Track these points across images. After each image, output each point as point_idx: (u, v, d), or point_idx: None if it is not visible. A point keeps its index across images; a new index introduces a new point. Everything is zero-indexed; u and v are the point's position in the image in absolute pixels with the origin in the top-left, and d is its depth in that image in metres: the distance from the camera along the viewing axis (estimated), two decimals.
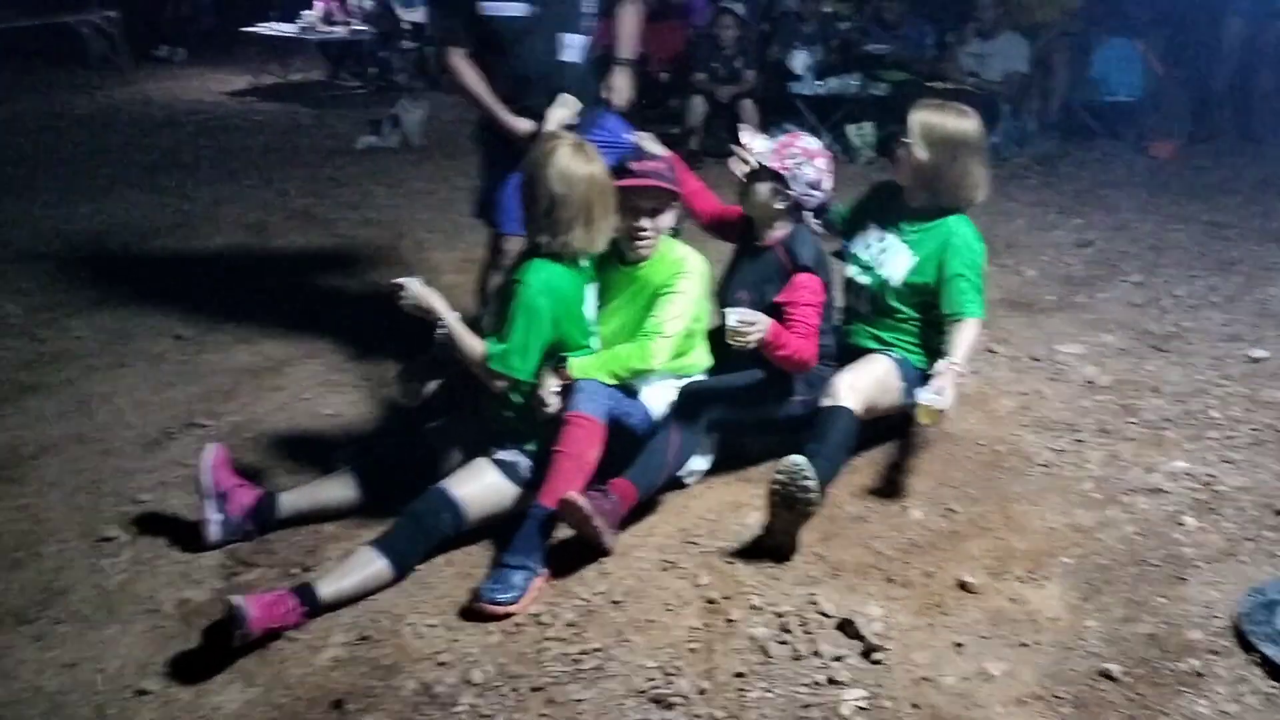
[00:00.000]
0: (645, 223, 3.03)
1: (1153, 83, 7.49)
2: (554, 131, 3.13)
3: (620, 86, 3.57)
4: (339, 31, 10.49)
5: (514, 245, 3.43)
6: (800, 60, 7.62)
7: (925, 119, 3.17)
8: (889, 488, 3.16)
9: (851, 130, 7.40)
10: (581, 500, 2.68)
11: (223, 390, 3.93)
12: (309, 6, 10.77)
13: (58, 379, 4.01)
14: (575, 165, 2.81)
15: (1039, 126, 7.72)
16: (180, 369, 4.12)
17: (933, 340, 3.27)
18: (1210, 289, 4.66)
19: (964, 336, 3.05)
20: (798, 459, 2.72)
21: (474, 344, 2.84)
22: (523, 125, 3.41)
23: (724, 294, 3.32)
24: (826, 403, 3.07)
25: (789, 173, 3.08)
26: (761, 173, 3.11)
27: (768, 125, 7.49)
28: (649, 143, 3.40)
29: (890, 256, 3.27)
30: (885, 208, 3.38)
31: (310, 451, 3.43)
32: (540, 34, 3.36)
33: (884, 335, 3.32)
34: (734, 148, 3.27)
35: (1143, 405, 3.64)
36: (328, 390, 3.94)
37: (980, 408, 3.66)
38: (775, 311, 3.01)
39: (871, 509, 3.06)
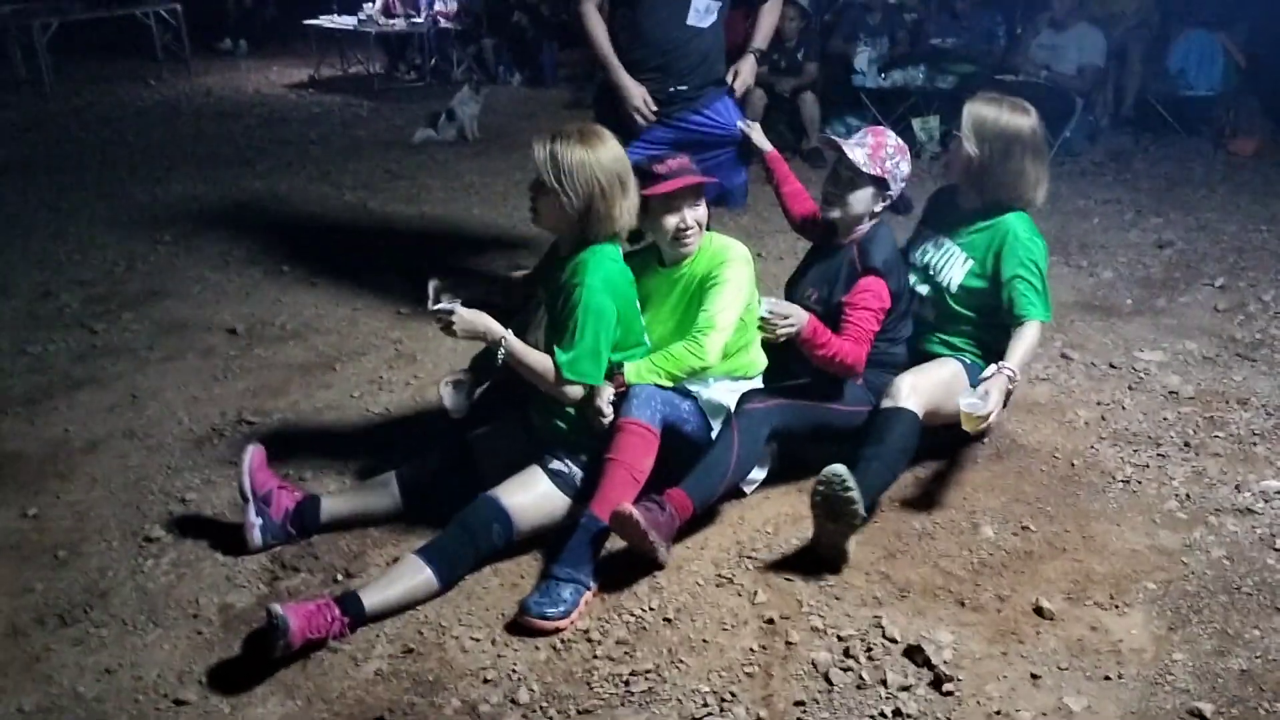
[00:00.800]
0: (688, 217, 2.91)
1: (1234, 77, 7.17)
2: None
3: (746, 75, 3.62)
4: (398, 24, 10.47)
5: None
6: (864, 53, 7.41)
7: (978, 112, 3.01)
8: (958, 501, 3.00)
9: (917, 124, 7.18)
10: (635, 512, 2.56)
11: (273, 386, 3.88)
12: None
13: (110, 372, 3.99)
14: (590, 153, 2.68)
15: (1112, 121, 7.45)
16: (231, 364, 4.08)
17: (1000, 345, 3.09)
18: None
19: (1023, 340, 2.89)
20: (838, 468, 2.59)
21: (538, 360, 2.72)
22: (634, 88, 3.41)
23: (792, 289, 3.20)
24: (887, 404, 2.93)
25: (890, 175, 2.95)
26: (860, 178, 2.97)
27: (828, 119, 7.33)
28: (757, 134, 3.40)
29: (947, 262, 3.14)
30: (942, 213, 3.26)
31: (358, 451, 3.37)
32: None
33: (954, 341, 3.17)
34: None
35: (1230, 418, 3.42)
36: (378, 389, 3.87)
37: (1056, 417, 3.48)
38: (841, 312, 2.87)
39: (939, 524, 2.90)
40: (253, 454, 2.87)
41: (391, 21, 10.52)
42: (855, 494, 2.56)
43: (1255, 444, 3.27)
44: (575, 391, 2.74)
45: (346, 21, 10.61)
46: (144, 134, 8.39)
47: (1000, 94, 3.12)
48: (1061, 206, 5.61)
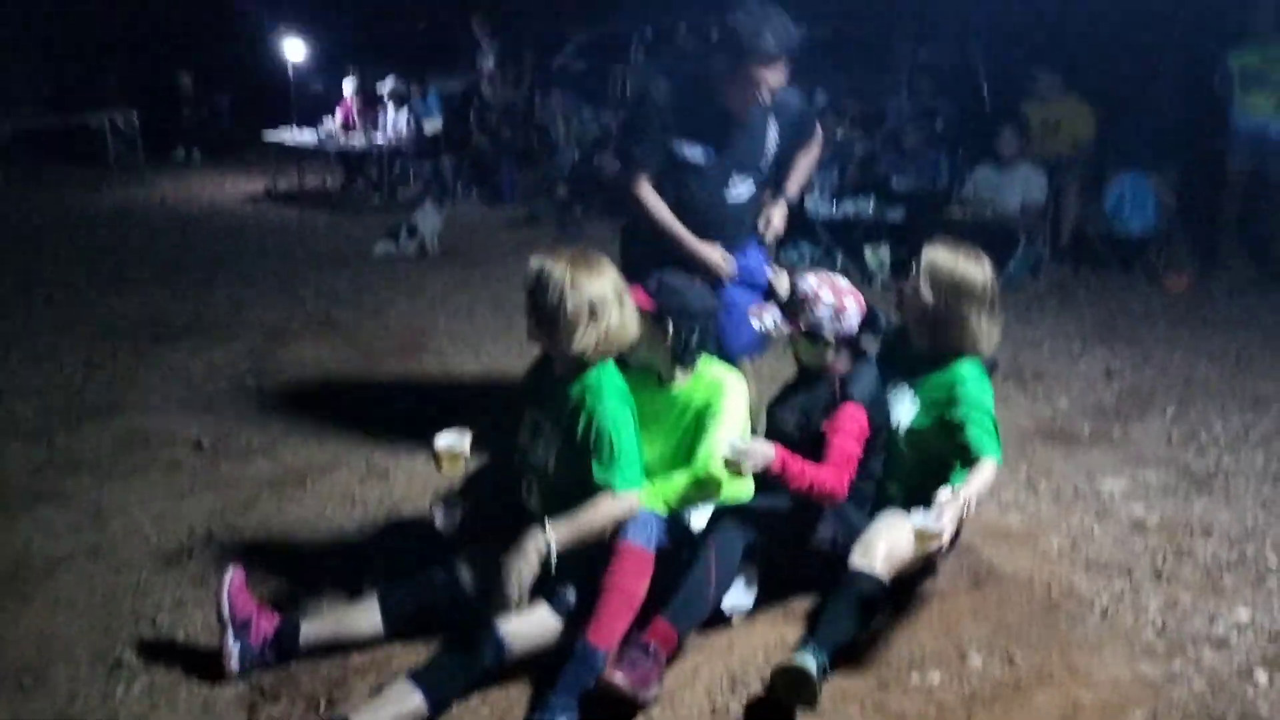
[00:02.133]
0: None
1: (1165, 217, 7.57)
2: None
3: (777, 224, 3.67)
4: (357, 142, 10.62)
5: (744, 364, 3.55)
6: (816, 184, 7.70)
7: (934, 258, 3.06)
8: (944, 629, 3.02)
9: (868, 252, 7.43)
10: (621, 681, 2.54)
11: (242, 502, 3.80)
12: (330, 113, 10.96)
13: (71, 486, 3.88)
14: (580, 276, 2.73)
15: (1053, 255, 7.78)
16: (198, 479, 3.99)
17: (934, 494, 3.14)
18: (1246, 426, 4.59)
19: (979, 474, 2.82)
20: (801, 669, 2.58)
21: (586, 519, 2.67)
22: (711, 251, 3.48)
23: (773, 413, 3.23)
24: (860, 563, 2.89)
25: (809, 326, 3.01)
26: (792, 337, 3.06)
27: (783, 246, 7.54)
28: (780, 279, 3.48)
29: (896, 403, 3.15)
30: (894, 354, 3.27)
31: (333, 571, 3.29)
32: (715, 175, 3.46)
33: (911, 487, 3.11)
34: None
35: (1196, 548, 3.52)
36: (350, 504, 3.82)
37: (1029, 545, 3.55)
38: (822, 439, 2.92)
39: (927, 653, 2.91)
40: (232, 576, 2.81)
41: (351, 139, 10.67)
42: (817, 687, 2.57)
43: (1223, 575, 3.36)
44: (634, 500, 2.73)
45: (307, 138, 10.74)
46: (99, 241, 8.33)
47: (957, 240, 3.16)
48: (1013, 336, 5.79)
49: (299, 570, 3.30)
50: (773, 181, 3.72)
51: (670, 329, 3.03)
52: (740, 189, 3.55)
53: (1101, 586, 3.28)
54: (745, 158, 3.51)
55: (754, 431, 3.24)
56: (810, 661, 2.60)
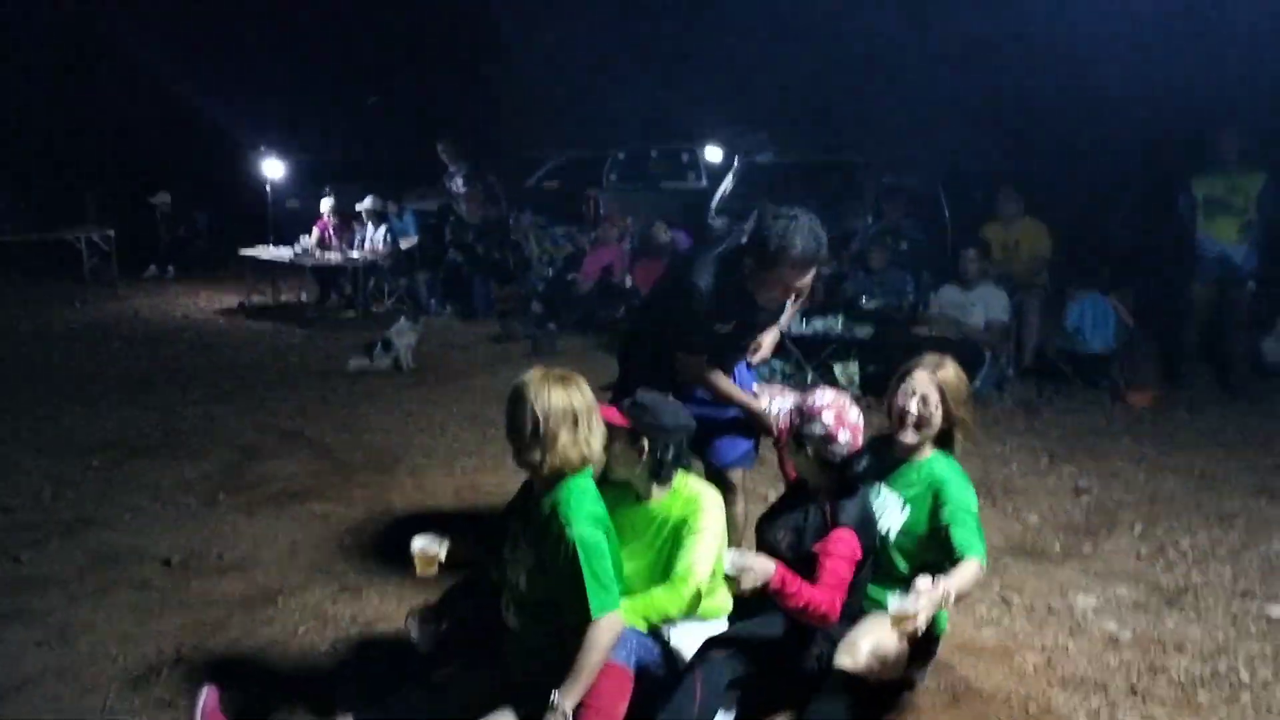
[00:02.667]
0: None
1: (1125, 335, 7.78)
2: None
3: (766, 350, 3.90)
4: (334, 257, 10.76)
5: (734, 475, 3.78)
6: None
7: (948, 379, 3.24)
8: None
9: (838, 369, 7.56)
10: None
11: (213, 622, 3.75)
12: (306, 231, 11.12)
13: (38, 605, 3.82)
14: (550, 389, 2.80)
15: (1017, 373, 7.94)
16: (168, 597, 3.94)
17: None
18: (1214, 542, 4.65)
19: (962, 570, 2.91)
20: None
21: (587, 659, 2.66)
22: (763, 408, 3.66)
23: (764, 528, 3.26)
24: (844, 664, 2.92)
25: (797, 432, 3.10)
26: (786, 432, 3.16)
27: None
28: (763, 396, 3.64)
29: (884, 509, 3.24)
30: (877, 457, 3.35)
31: (306, 692, 3.25)
32: (738, 338, 3.69)
33: (873, 593, 3.17)
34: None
35: (1169, 664, 3.54)
36: (323, 624, 3.78)
37: (1005, 662, 3.56)
38: (813, 560, 2.95)
39: None
40: (206, 697, 2.77)
41: (327, 254, 10.81)
42: None
43: (1196, 690, 3.37)
44: (617, 620, 2.71)
45: (282, 253, 10.87)
46: (71, 356, 8.32)
47: (941, 354, 3.36)
48: (981, 451, 5.90)
49: (271, 691, 3.25)
50: None
51: (645, 446, 3.07)
52: (756, 346, 3.84)
53: (1078, 703, 3.29)
54: (764, 323, 3.79)
55: (739, 545, 3.27)
56: None
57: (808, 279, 3.43)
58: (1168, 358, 7.87)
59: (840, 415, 3.07)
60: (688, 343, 3.56)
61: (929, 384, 3.21)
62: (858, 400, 7.12)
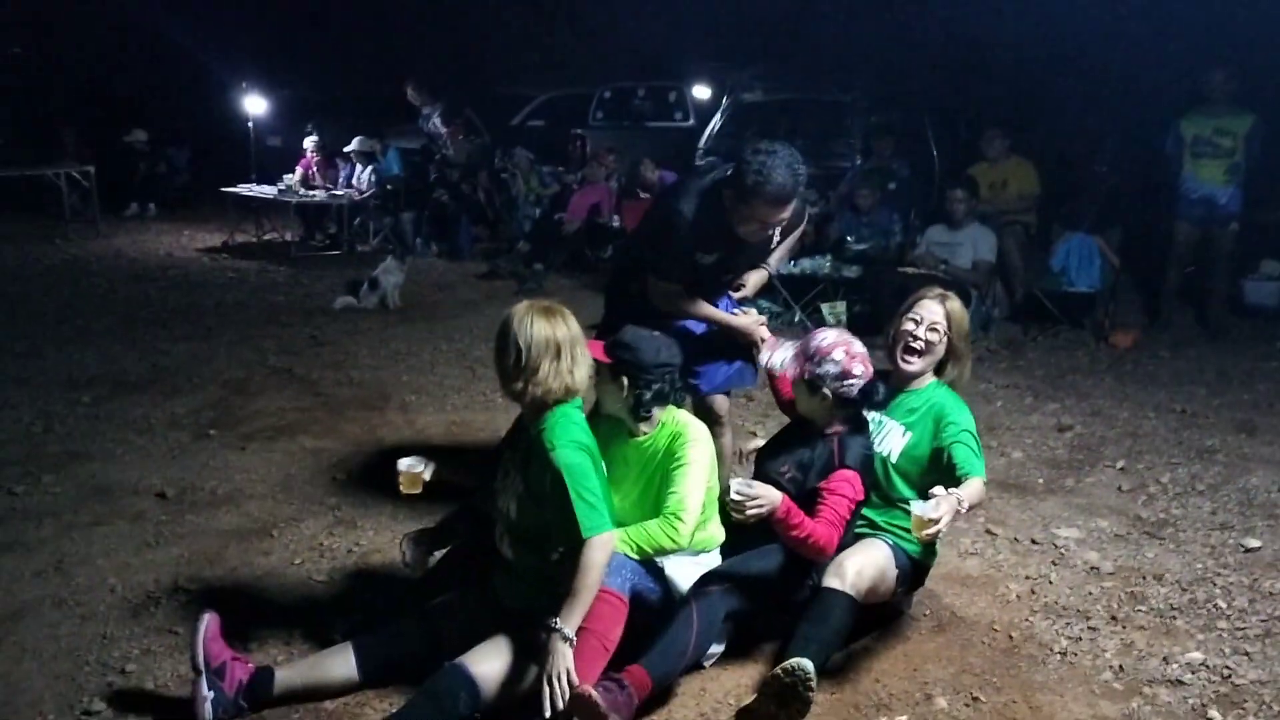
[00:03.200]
0: None
1: (1110, 276, 7.83)
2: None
3: (749, 289, 3.86)
4: (318, 195, 10.66)
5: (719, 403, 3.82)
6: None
7: (954, 310, 3.31)
8: (908, 672, 3.09)
9: (825, 309, 7.59)
10: (594, 694, 2.58)
11: (209, 553, 3.78)
12: (290, 169, 11.00)
13: (33, 537, 3.85)
14: (535, 319, 2.82)
15: (1004, 313, 7.99)
16: (163, 529, 3.97)
17: None
18: (1193, 477, 4.74)
19: (970, 486, 3.00)
20: (805, 665, 2.70)
21: (582, 581, 2.68)
22: (746, 321, 3.70)
23: (765, 461, 3.30)
24: (832, 583, 3.02)
25: (812, 376, 3.12)
26: (797, 381, 3.18)
27: (742, 302, 7.68)
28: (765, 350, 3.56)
29: (885, 435, 3.32)
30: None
31: (304, 621, 3.29)
32: (721, 269, 3.66)
33: (877, 519, 3.29)
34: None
35: (1149, 593, 3.63)
36: (318, 555, 3.82)
37: (989, 591, 3.64)
38: (814, 496, 3.00)
39: (894, 696, 2.98)
40: (207, 623, 2.81)
41: (312, 192, 10.71)
42: (813, 694, 2.67)
43: (1175, 618, 3.46)
44: (609, 539, 2.74)
45: (266, 191, 10.76)
46: (54, 293, 8.26)
47: (941, 289, 3.41)
48: (967, 389, 5.88)
49: (270, 620, 3.29)
50: None
51: (625, 385, 3.09)
52: (738, 275, 3.80)
53: (1060, 630, 3.37)
54: (749, 261, 3.77)
55: (727, 477, 3.30)
56: (808, 663, 2.69)
57: (785, 214, 3.42)
58: (1151, 298, 7.94)
59: (849, 349, 3.11)
60: (665, 269, 3.54)
61: (937, 312, 3.26)
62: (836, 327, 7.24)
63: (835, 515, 2.98)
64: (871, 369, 3.15)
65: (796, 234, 3.99)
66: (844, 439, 3.11)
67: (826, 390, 3.11)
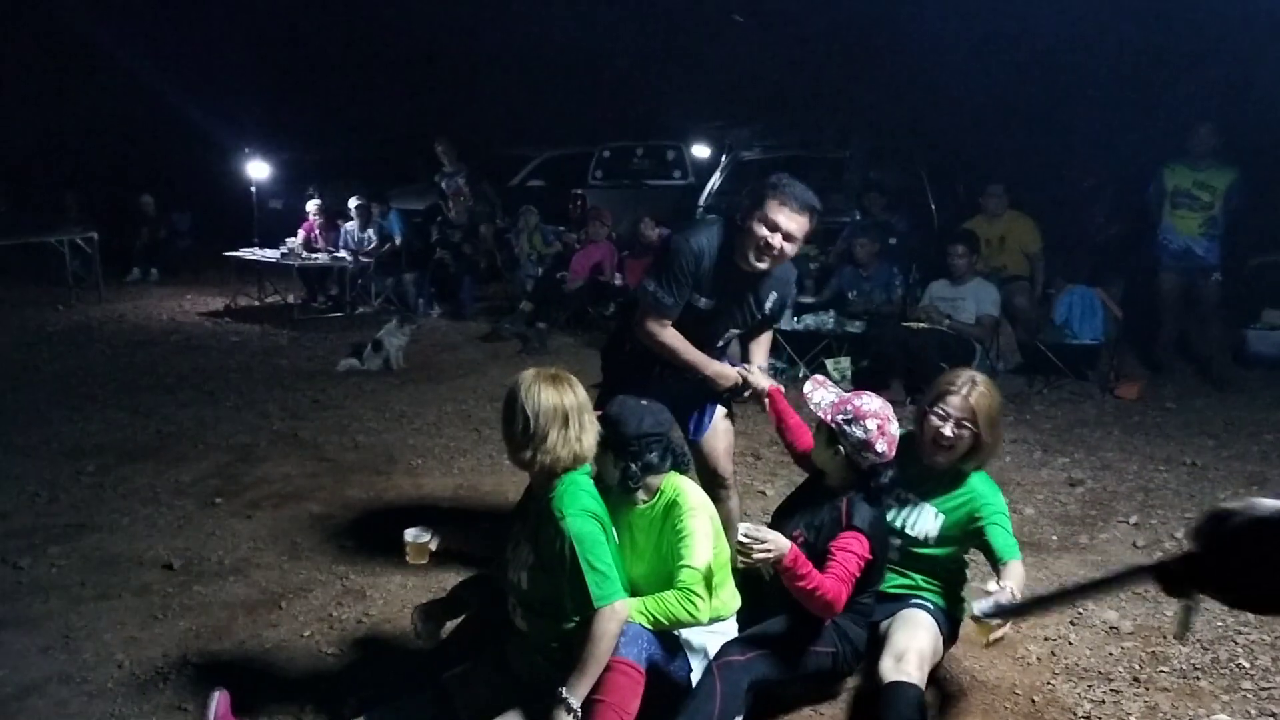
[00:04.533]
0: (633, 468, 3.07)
1: (1113, 328, 7.84)
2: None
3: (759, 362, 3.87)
4: (321, 258, 10.71)
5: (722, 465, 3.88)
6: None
7: (981, 402, 3.24)
8: None
9: (830, 365, 7.59)
10: None
11: (217, 626, 3.74)
12: (292, 232, 11.08)
13: (40, 611, 3.80)
14: (542, 387, 2.82)
15: (1007, 367, 8.00)
16: (170, 602, 3.92)
17: (956, 579, 3.36)
18: None
19: (1013, 573, 3.02)
20: None
21: (592, 650, 2.67)
22: (723, 368, 3.68)
23: (780, 521, 3.28)
24: (897, 677, 2.95)
25: (838, 427, 3.12)
26: (822, 425, 3.18)
27: (747, 359, 7.69)
28: (754, 375, 3.67)
29: (918, 518, 3.31)
30: (903, 465, 3.31)
31: (315, 694, 3.24)
32: (714, 319, 3.66)
33: (914, 578, 3.34)
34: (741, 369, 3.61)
35: (1170, 653, 3.58)
36: (328, 626, 3.77)
37: (1009, 654, 3.59)
38: (825, 556, 2.98)
39: None
40: (218, 700, 2.78)
41: (314, 255, 10.76)
42: None
43: (1199, 678, 3.41)
44: (621, 609, 2.72)
45: (269, 254, 10.81)
46: (58, 360, 8.25)
47: (971, 371, 3.41)
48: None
49: (280, 694, 3.24)
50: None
51: (612, 458, 3.08)
52: (729, 332, 3.78)
53: (1083, 693, 3.33)
54: (741, 310, 3.71)
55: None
56: None
57: (793, 227, 3.44)
58: (1153, 349, 7.95)
59: (883, 426, 3.10)
60: (658, 301, 3.52)
61: (962, 408, 3.23)
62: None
63: (844, 571, 2.96)
64: (893, 453, 3.13)
65: (769, 336, 3.99)
66: (854, 502, 3.10)
67: (842, 447, 3.11)
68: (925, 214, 9.54)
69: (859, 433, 3.07)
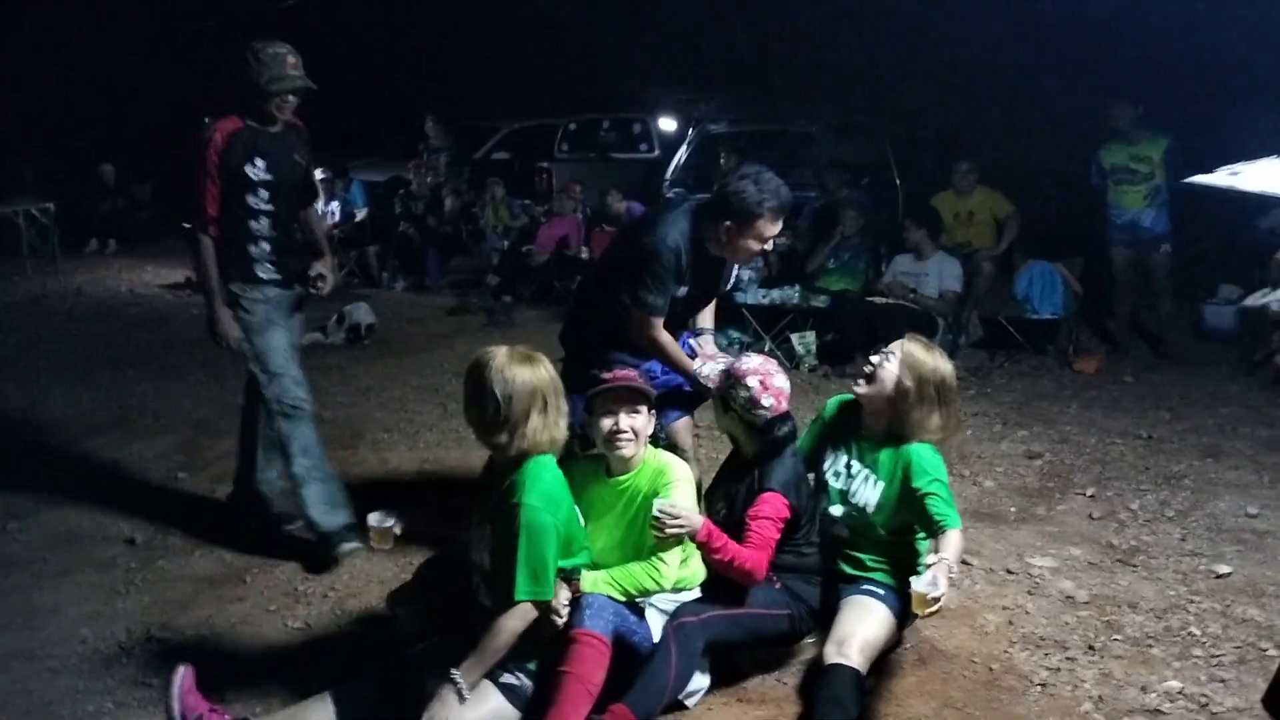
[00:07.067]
0: (624, 422, 3.07)
1: (1073, 303, 7.94)
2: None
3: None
4: None
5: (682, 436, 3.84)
6: (745, 273, 7.94)
7: (913, 352, 3.30)
8: (892, 709, 3.10)
9: (795, 339, 7.63)
10: None
11: (181, 600, 3.73)
12: None
13: (1, 586, 3.76)
14: (517, 369, 2.81)
15: (968, 340, 8.08)
16: (133, 577, 3.91)
17: (906, 557, 3.38)
18: (1162, 503, 4.80)
19: (950, 544, 3.06)
20: None
21: (491, 642, 2.72)
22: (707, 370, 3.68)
23: (708, 498, 3.40)
24: (837, 659, 3.02)
25: (723, 394, 3.24)
26: (716, 395, 3.29)
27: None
28: (705, 343, 3.74)
29: (860, 485, 3.36)
30: (847, 430, 3.47)
31: (281, 669, 3.25)
32: (689, 301, 3.74)
33: (864, 559, 3.37)
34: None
35: (1124, 622, 3.67)
36: (294, 600, 3.77)
37: (967, 623, 3.65)
38: (743, 525, 3.08)
39: None
40: (183, 675, 2.77)
41: None
42: None
43: (1151, 646, 3.50)
44: (528, 610, 2.76)
45: None
46: (13, 333, 8.14)
47: (926, 340, 3.44)
48: None
49: (245, 670, 3.24)
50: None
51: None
52: (699, 310, 3.87)
53: (1039, 661, 3.40)
54: (712, 289, 3.83)
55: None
56: None
57: (779, 227, 3.57)
58: (1105, 327, 8.07)
59: (765, 380, 3.19)
60: (646, 303, 3.56)
61: (893, 348, 3.33)
62: (815, 369, 7.32)
63: (761, 539, 3.05)
64: (784, 404, 3.22)
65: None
66: (764, 465, 3.19)
67: (736, 410, 3.21)
68: (890, 189, 9.59)
69: (743, 392, 3.18)
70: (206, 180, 3.86)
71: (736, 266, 3.83)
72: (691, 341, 3.86)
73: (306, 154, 4.18)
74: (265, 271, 4.05)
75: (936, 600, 2.78)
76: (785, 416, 3.24)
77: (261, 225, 3.99)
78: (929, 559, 2.96)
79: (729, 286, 3.91)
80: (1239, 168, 1.74)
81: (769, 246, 3.62)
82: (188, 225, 3.98)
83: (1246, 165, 1.74)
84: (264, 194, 3.97)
